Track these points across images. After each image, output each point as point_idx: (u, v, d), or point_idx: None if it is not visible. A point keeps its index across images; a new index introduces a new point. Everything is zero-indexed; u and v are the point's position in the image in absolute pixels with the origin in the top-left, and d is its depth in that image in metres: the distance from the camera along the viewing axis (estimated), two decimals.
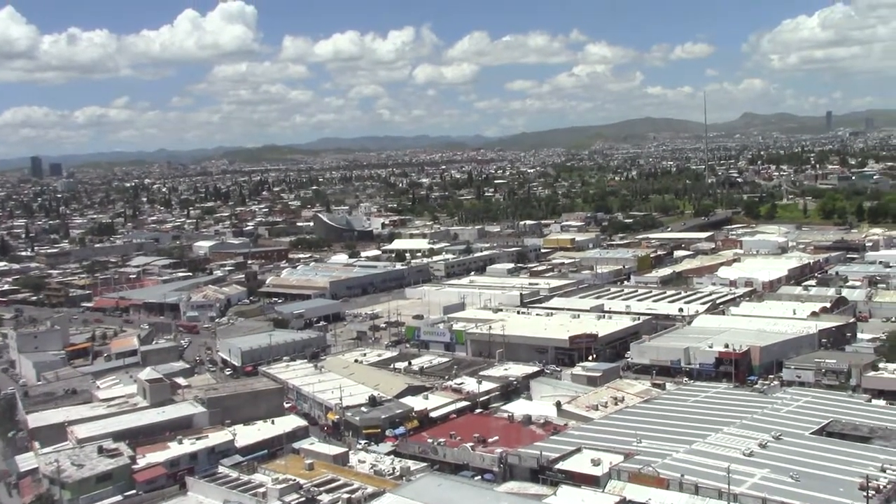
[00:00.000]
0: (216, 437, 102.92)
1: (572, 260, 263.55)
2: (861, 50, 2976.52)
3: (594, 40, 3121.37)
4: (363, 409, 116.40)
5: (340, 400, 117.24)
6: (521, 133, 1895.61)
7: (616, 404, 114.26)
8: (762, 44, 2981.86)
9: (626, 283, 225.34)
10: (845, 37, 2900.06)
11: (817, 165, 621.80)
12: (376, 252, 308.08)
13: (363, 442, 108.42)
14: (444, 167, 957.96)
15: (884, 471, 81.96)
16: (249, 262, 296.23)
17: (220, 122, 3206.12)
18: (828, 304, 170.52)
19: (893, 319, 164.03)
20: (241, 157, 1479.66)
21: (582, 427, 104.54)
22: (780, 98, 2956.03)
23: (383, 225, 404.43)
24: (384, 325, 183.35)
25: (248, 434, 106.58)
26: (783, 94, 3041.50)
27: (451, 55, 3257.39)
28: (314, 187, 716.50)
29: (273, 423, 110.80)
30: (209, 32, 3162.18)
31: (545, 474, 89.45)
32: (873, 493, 75.32)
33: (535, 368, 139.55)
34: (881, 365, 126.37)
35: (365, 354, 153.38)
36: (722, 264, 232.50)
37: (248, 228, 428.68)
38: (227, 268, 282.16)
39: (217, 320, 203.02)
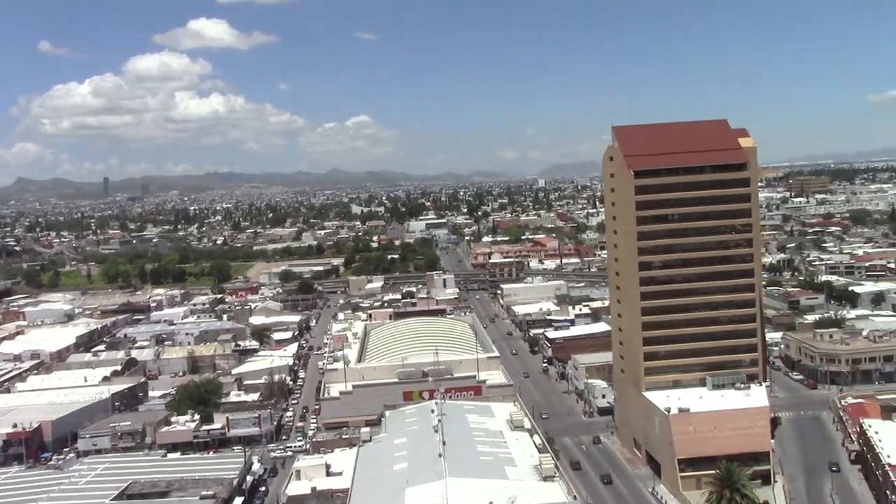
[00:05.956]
0: None
1: None
2: (133, 118, 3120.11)
3: None
4: None
5: None
6: None
7: None
8: (33, 108, 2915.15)
9: None
10: (117, 105, 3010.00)
11: (98, 231, 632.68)
12: None
13: None
14: None
15: None
16: None
17: None
18: (119, 367, 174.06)
19: (181, 374, 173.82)
20: None
21: None
22: (56, 163, 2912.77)
23: None
24: None
25: None
26: (59, 159, 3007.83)
27: None
28: None
29: None
30: None
31: None
32: None
33: None
34: (173, 419, 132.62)
35: None
36: (4, 338, 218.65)
37: None
38: None
39: None
